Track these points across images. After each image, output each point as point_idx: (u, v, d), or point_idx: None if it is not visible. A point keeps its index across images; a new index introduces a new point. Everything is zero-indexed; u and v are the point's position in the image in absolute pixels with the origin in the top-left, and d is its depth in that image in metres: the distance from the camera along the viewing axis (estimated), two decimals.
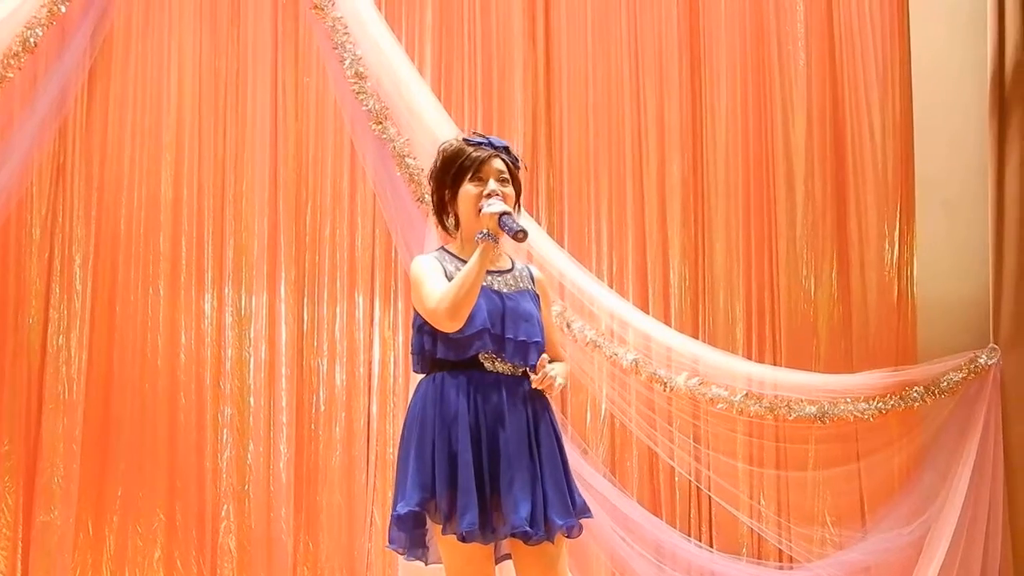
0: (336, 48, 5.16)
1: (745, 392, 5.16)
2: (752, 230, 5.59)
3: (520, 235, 3.26)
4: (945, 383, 5.45)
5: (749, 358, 5.35)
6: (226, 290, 5.29)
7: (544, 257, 5.12)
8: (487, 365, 3.34)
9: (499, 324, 3.35)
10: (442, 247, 3.50)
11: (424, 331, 3.37)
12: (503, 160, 3.45)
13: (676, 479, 5.24)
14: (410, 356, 3.54)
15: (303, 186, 5.37)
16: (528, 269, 3.56)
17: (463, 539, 3.21)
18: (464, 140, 3.48)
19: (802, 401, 5.34)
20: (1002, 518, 5.41)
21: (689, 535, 5.21)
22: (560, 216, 5.52)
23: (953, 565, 5.29)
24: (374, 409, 5.34)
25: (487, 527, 3.26)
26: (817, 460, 5.46)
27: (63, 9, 4.95)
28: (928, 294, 5.72)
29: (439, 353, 3.34)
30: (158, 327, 5.22)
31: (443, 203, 3.51)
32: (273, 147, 5.36)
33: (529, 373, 3.36)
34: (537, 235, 5.18)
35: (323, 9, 5.14)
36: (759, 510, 5.27)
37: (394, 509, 3.31)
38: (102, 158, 5.23)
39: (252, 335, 5.31)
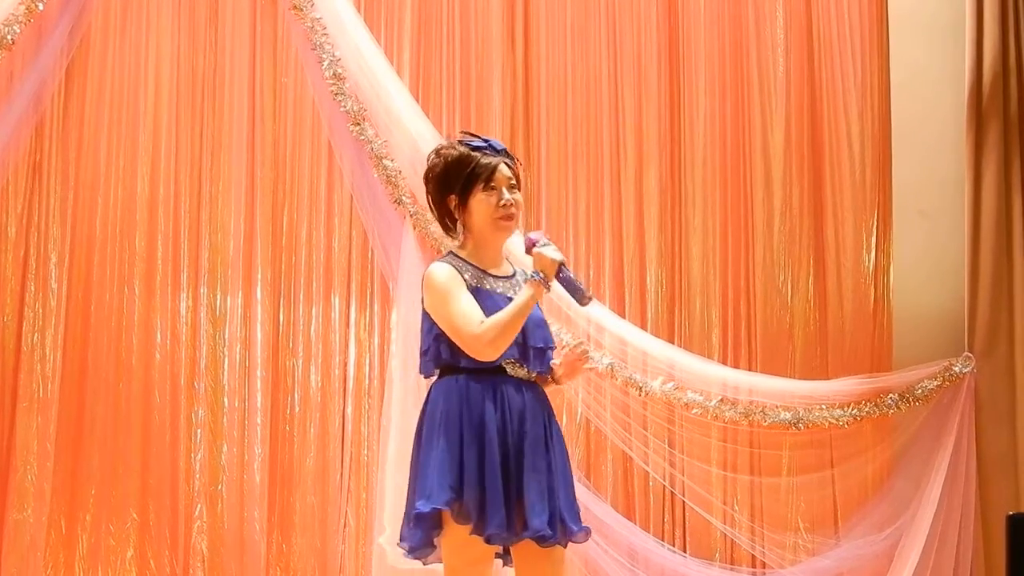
0: (315, 49, 5.17)
1: (720, 397, 5.19)
2: (729, 236, 5.60)
3: (586, 300, 3.35)
4: (920, 391, 5.48)
5: (725, 363, 5.36)
6: (201, 290, 5.26)
7: (521, 260, 5.08)
8: (509, 370, 3.38)
9: (521, 332, 3.39)
10: (452, 252, 3.50)
11: (442, 340, 3.39)
12: (508, 165, 3.48)
13: (650, 484, 5.23)
14: (419, 358, 3.52)
15: (280, 187, 5.35)
16: (526, 274, 3.58)
17: (489, 540, 3.25)
18: (465, 144, 3.49)
19: (777, 407, 5.37)
20: (974, 526, 5.44)
21: (662, 540, 5.21)
22: (537, 219, 5.52)
23: (925, 572, 5.31)
24: (349, 411, 5.32)
25: (511, 529, 3.31)
26: (791, 466, 5.49)
27: (41, 7, 4.95)
28: (904, 302, 5.74)
29: (462, 363, 3.37)
30: (133, 326, 5.18)
31: (446, 208, 3.50)
32: (250, 148, 5.35)
33: (545, 377, 3.43)
34: (513, 237, 5.18)
35: (302, 10, 5.15)
36: (733, 515, 5.29)
37: (414, 507, 3.32)
38: (78, 157, 5.21)
39: (227, 336, 5.29)
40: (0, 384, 5.08)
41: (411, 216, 5.17)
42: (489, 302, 3.40)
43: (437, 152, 3.52)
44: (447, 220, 3.53)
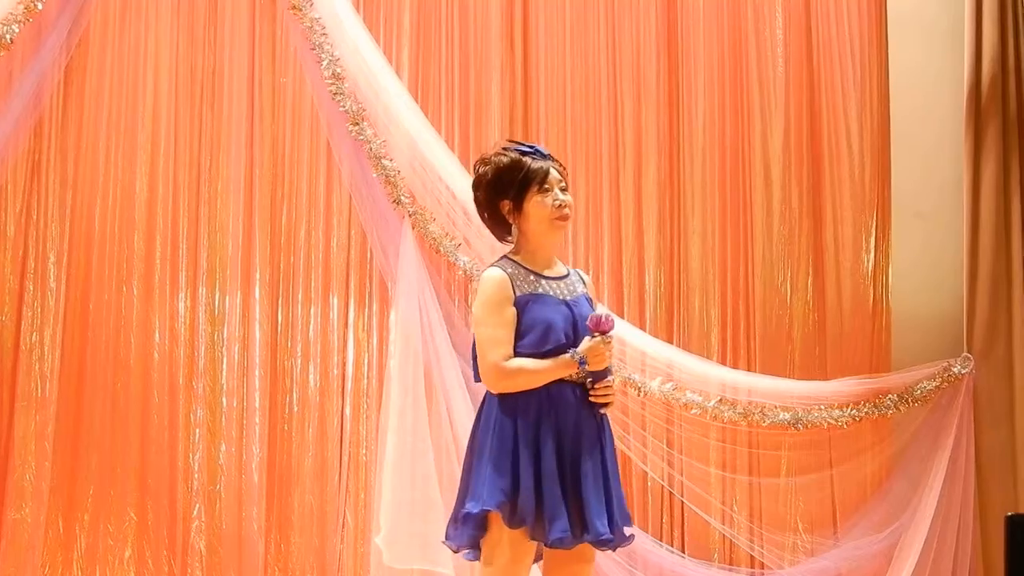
0: (314, 49, 5.21)
1: (719, 398, 5.21)
2: (728, 236, 5.62)
3: (599, 410, 3.43)
4: (918, 391, 5.49)
5: (724, 364, 5.38)
6: (200, 290, 5.28)
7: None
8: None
9: (572, 335, 3.46)
10: (507, 256, 3.57)
11: None
12: (555, 168, 3.58)
13: (649, 484, 5.25)
14: (470, 362, 3.60)
15: (279, 187, 5.36)
16: (579, 273, 3.66)
17: (553, 545, 3.31)
18: (513, 149, 3.58)
19: (776, 407, 5.38)
20: (973, 527, 5.43)
21: (661, 540, 5.22)
22: None
23: (924, 573, 5.31)
24: (347, 411, 5.33)
25: (572, 532, 3.37)
26: (790, 467, 5.50)
27: (40, 6, 4.98)
28: (903, 303, 5.75)
29: None
30: (131, 326, 5.20)
31: (498, 213, 3.57)
32: (249, 147, 5.36)
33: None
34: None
35: (301, 9, 5.19)
36: (731, 516, 5.32)
37: (463, 507, 3.37)
38: (77, 156, 5.23)
39: (225, 335, 5.30)
40: None
41: (410, 216, 5.18)
42: (539, 304, 3.46)
43: (484, 160, 3.59)
44: (498, 226, 3.59)
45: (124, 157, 5.27)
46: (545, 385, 3.44)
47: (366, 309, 5.40)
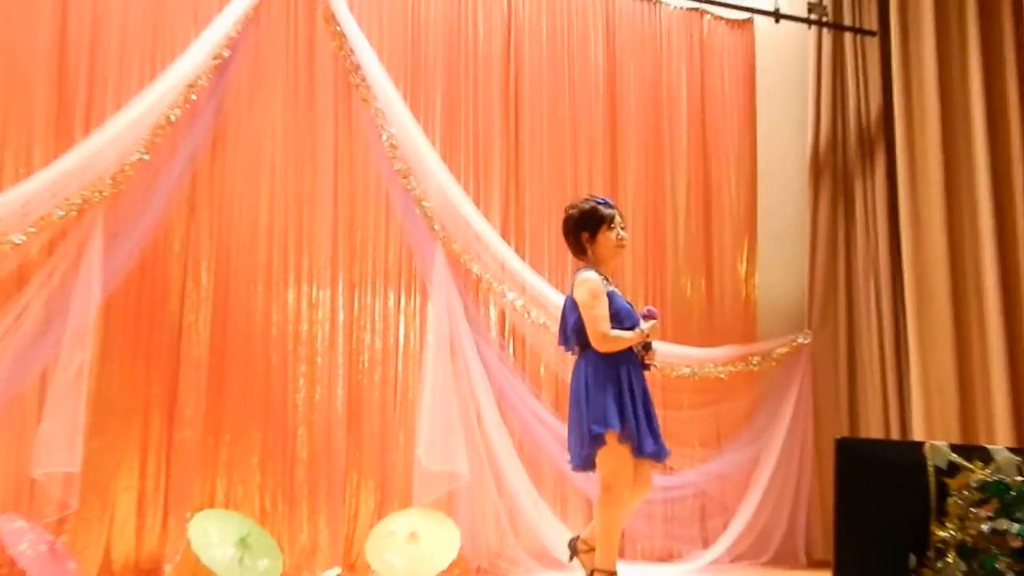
0: (376, 128, 5.87)
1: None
2: (650, 250, 6.52)
3: (650, 367, 4.32)
4: (775, 355, 6.52)
5: None
6: (303, 286, 5.82)
7: (507, 262, 6.02)
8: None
9: (636, 319, 4.33)
10: (590, 267, 4.35)
11: (583, 330, 4.25)
12: (618, 214, 4.39)
13: None
14: (569, 335, 4.29)
15: (356, 219, 5.99)
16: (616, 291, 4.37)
17: (648, 458, 4.17)
18: (592, 201, 4.39)
19: (680, 365, 6.34)
20: (811, 445, 6.49)
21: None
22: (521, 224, 6.35)
23: (778, 474, 6.36)
24: (399, 367, 5.96)
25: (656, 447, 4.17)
26: (690, 403, 6.43)
27: (194, 96, 5.59)
28: (765, 296, 6.73)
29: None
30: (257, 310, 5.74)
31: (579, 239, 4.39)
32: (335, 193, 5.96)
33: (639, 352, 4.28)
34: (501, 246, 6.03)
35: (368, 101, 5.89)
36: None
37: (589, 430, 4.11)
38: (220, 198, 5.77)
39: (320, 316, 5.84)
40: (168, 350, 5.62)
41: (440, 239, 5.89)
42: (619, 298, 4.27)
43: (573, 206, 4.43)
44: (577, 246, 4.41)
45: (252, 198, 5.82)
46: (628, 350, 4.24)
47: (412, 300, 6.03)
